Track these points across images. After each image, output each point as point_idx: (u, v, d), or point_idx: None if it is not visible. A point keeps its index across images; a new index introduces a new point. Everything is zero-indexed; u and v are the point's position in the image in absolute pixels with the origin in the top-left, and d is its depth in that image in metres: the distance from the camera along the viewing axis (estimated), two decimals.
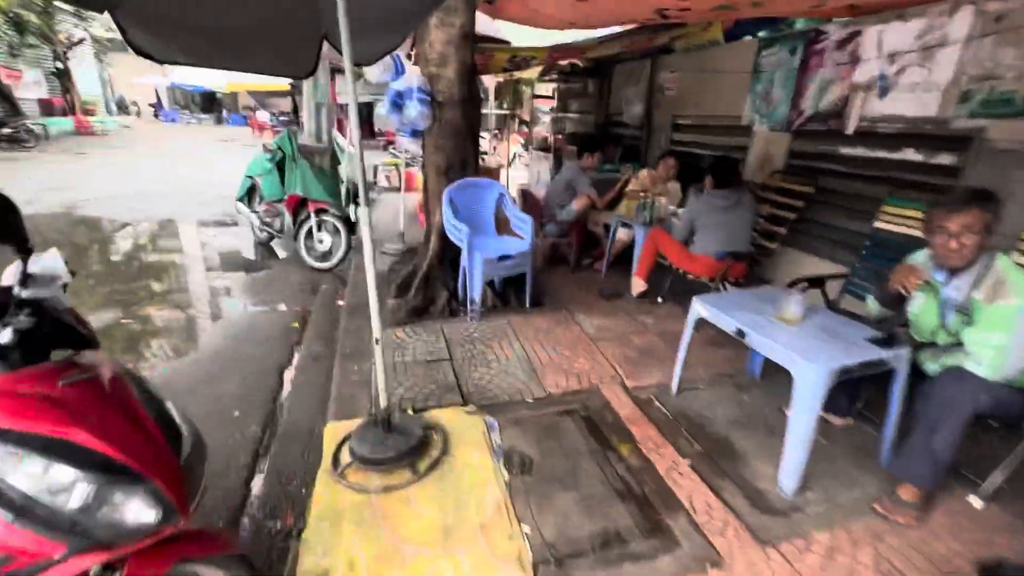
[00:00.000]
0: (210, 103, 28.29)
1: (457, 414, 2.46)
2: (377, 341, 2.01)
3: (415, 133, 3.48)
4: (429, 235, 3.77)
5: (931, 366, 1.98)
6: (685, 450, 2.23)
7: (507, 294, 3.77)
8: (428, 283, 3.61)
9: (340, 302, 4.05)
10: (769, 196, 3.79)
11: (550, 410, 2.54)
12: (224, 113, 27.41)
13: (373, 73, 3.28)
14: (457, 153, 3.60)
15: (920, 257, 2.08)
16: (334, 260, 4.89)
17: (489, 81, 8.15)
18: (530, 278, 3.64)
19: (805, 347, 1.93)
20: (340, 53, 1.87)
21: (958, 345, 1.91)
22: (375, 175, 9.20)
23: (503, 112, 11.92)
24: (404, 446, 2.09)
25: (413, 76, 3.25)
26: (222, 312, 4.01)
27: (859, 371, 1.88)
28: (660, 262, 3.75)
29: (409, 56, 3.34)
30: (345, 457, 2.10)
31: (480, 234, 3.69)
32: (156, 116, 27.03)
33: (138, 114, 26.41)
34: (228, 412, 2.68)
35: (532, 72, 7.22)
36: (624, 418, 2.46)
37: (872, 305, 2.20)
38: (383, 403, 2.11)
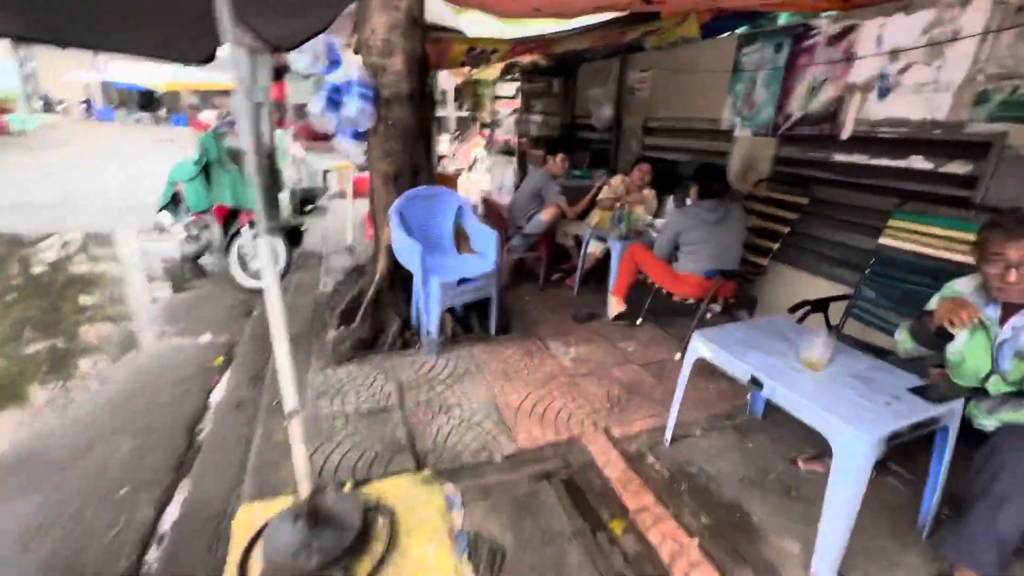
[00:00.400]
0: (149, 101, 26.39)
1: (409, 485, 1.96)
2: (293, 413, 1.50)
3: (358, 135, 2.95)
4: (377, 253, 3.25)
5: (985, 421, 1.63)
6: (690, 524, 1.82)
7: (469, 319, 3.29)
8: (376, 309, 3.08)
9: None
10: (756, 207, 3.46)
11: (524, 472, 2.08)
12: (164, 112, 25.64)
13: (301, 63, 2.74)
14: (408, 158, 3.09)
15: (963, 286, 1.75)
16: None
17: (449, 83, 7.66)
18: (496, 302, 3.17)
19: (843, 406, 1.54)
20: (252, 32, 1.37)
21: (1019, 395, 1.58)
22: (324, 180, 8.54)
23: (463, 115, 11.43)
24: (336, 545, 1.58)
25: (353, 67, 2.73)
26: (127, 346, 3.35)
27: (909, 433, 1.51)
28: (639, 278, 3.36)
29: (348, 44, 2.80)
30: (255, 564, 1.58)
31: (436, 253, 3.20)
32: (88, 114, 24.97)
33: (64, 113, 24.27)
34: (113, 489, 2.09)
35: (493, 70, 6.76)
36: (614, 481, 2.02)
37: (905, 342, 1.85)
38: (306, 490, 1.60)
